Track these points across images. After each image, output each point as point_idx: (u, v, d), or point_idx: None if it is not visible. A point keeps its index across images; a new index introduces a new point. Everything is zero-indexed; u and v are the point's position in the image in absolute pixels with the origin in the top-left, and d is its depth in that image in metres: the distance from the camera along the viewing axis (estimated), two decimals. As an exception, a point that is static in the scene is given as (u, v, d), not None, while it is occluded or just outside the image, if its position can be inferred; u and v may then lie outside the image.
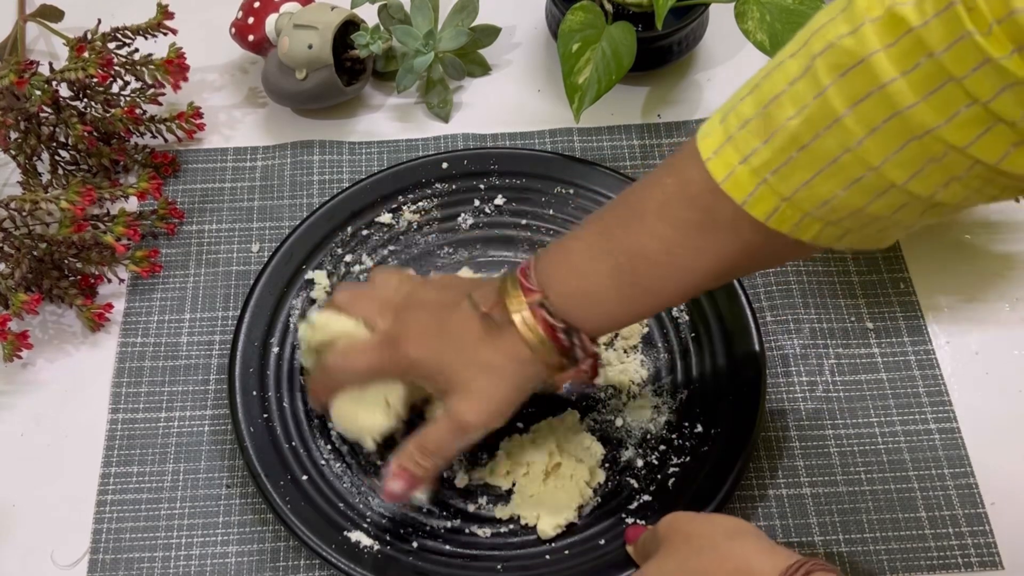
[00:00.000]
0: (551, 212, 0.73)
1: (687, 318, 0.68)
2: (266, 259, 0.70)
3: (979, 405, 0.66)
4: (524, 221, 0.73)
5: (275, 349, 0.67)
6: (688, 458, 0.62)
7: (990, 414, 0.66)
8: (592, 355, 0.55)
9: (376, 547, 0.59)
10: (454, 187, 0.73)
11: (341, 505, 0.61)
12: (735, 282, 0.66)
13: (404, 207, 0.73)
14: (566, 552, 0.60)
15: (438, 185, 0.73)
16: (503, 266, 0.71)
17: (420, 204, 0.73)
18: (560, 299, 0.53)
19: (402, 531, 0.61)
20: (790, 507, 0.62)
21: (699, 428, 0.63)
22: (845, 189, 0.45)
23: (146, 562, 0.61)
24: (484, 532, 0.61)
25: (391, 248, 0.72)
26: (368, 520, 0.61)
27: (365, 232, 0.72)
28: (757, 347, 0.64)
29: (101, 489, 0.64)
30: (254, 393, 0.64)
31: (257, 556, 0.61)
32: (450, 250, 0.72)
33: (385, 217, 0.73)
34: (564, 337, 0.53)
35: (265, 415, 0.64)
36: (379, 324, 0.58)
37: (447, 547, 0.60)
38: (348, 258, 0.71)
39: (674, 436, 0.64)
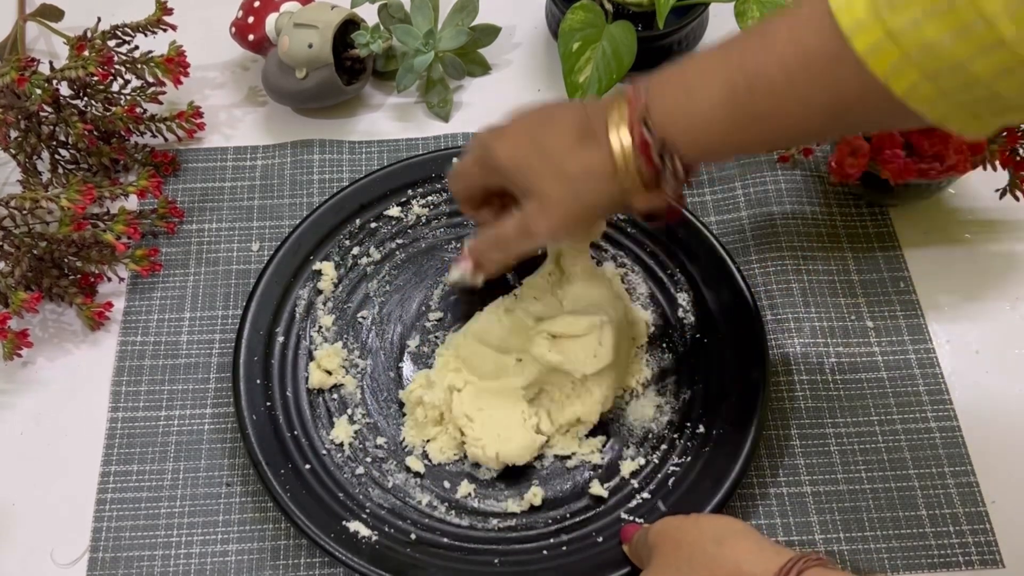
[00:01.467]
0: None
1: (692, 319, 0.68)
2: (269, 255, 0.70)
3: (979, 404, 0.66)
4: None
5: (280, 339, 0.67)
6: (689, 458, 0.62)
7: (990, 413, 0.66)
8: (682, 181, 0.53)
9: (374, 538, 0.59)
10: None
11: (341, 495, 0.61)
12: (742, 284, 0.66)
13: (413, 201, 0.73)
14: (563, 548, 0.60)
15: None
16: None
17: (429, 199, 0.73)
18: (664, 116, 0.52)
19: (401, 523, 0.61)
20: (791, 505, 0.62)
21: (701, 428, 0.63)
22: (953, 35, 0.43)
23: (146, 560, 0.61)
24: (482, 526, 0.61)
25: (399, 241, 0.72)
26: (367, 511, 0.61)
27: (373, 225, 0.72)
28: (762, 349, 0.64)
29: (101, 488, 0.64)
30: (257, 382, 0.65)
31: (257, 554, 0.61)
32: (458, 245, 0.72)
33: (394, 211, 0.73)
34: (656, 156, 0.52)
35: (268, 403, 0.64)
36: (479, 138, 0.59)
37: (444, 540, 0.60)
38: (356, 250, 0.71)
39: (676, 436, 0.64)
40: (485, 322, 0.65)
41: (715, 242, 0.68)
